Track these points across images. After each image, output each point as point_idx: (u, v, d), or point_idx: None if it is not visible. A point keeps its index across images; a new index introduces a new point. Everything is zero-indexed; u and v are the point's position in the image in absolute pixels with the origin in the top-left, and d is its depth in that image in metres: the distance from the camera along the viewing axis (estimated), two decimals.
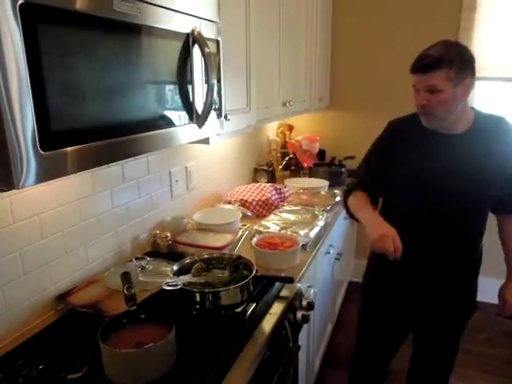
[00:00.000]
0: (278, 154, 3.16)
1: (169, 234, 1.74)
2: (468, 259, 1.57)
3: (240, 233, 1.88)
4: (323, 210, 2.18)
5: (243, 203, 2.20)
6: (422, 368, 1.78)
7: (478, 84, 2.97)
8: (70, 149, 0.82)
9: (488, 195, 1.48)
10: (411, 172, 1.49)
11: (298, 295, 1.47)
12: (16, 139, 0.71)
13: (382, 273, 1.66)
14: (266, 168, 2.80)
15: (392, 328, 1.73)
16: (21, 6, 0.69)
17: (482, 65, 2.84)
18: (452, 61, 1.29)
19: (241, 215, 1.98)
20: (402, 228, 1.41)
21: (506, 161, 1.44)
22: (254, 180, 2.79)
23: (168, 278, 1.26)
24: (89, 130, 0.87)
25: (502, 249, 1.62)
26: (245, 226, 1.98)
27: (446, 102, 1.34)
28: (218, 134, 1.43)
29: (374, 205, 1.60)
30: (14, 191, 1.16)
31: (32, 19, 0.72)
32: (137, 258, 1.50)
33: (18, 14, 0.69)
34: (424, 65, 1.32)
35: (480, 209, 1.50)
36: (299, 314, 1.40)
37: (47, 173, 0.78)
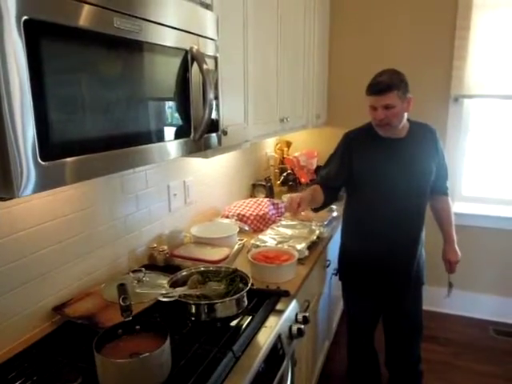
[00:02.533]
0: (276, 170, 3.19)
1: (166, 248, 1.75)
2: (417, 229, 1.96)
3: (237, 247, 1.89)
4: (320, 225, 2.19)
5: (241, 218, 2.22)
6: (395, 341, 2.14)
7: (472, 101, 3.02)
8: (68, 159, 0.84)
9: (427, 180, 1.90)
10: (369, 169, 1.88)
11: (294, 309, 1.47)
12: (17, 149, 0.73)
13: (353, 255, 2.04)
14: (264, 183, 2.82)
15: (370, 299, 2.07)
16: (25, 21, 0.72)
17: (476, 82, 2.90)
18: (398, 84, 1.73)
19: (238, 229, 2.00)
20: (367, 211, 1.92)
21: (434, 154, 1.92)
22: (252, 195, 2.81)
23: (164, 289, 1.26)
24: (88, 142, 0.89)
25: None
26: (242, 240, 1.99)
27: (398, 114, 1.76)
28: (216, 149, 1.45)
29: (332, 197, 1.98)
30: (12, 202, 1.18)
31: (35, 35, 0.74)
32: (134, 271, 1.51)
33: (22, 29, 0.72)
34: (380, 89, 1.73)
35: (423, 190, 1.91)
36: (295, 328, 1.40)
37: (46, 182, 0.80)
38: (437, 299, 2.71)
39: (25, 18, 0.72)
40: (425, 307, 2.10)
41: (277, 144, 3.28)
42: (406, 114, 1.83)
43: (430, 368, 2.46)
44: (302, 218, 2.32)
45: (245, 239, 2.00)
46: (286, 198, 1.72)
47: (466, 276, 2.91)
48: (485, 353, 2.78)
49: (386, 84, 1.72)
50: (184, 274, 1.41)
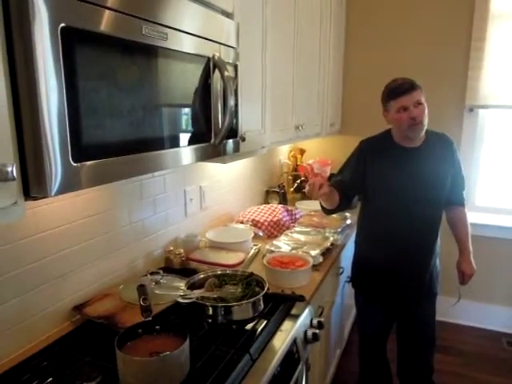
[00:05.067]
0: (290, 177, 3.21)
1: (182, 251, 1.77)
2: (432, 239, 1.95)
3: (252, 251, 1.91)
4: (334, 232, 2.20)
5: (255, 223, 2.24)
6: (408, 351, 2.12)
7: (487, 112, 3.02)
8: (97, 161, 0.87)
9: (441, 190, 1.90)
10: (384, 178, 1.89)
11: (309, 314, 1.48)
12: (51, 151, 0.76)
13: (366, 262, 2.04)
14: (277, 190, 2.84)
15: (382, 308, 2.07)
16: (62, 29, 0.75)
17: (491, 93, 2.90)
18: (418, 85, 1.78)
19: (253, 235, 2.01)
20: (381, 220, 1.93)
21: (450, 165, 1.91)
22: (266, 202, 2.83)
23: (182, 291, 1.29)
24: (115, 145, 0.92)
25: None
26: (256, 245, 2.01)
27: (425, 111, 1.79)
28: (234, 154, 1.47)
29: (345, 203, 1.97)
30: (35, 204, 1.22)
31: (71, 41, 0.78)
32: (151, 273, 1.54)
33: (59, 35, 0.75)
34: (407, 88, 1.76)
35: (437, 200, 1.91)
36: (310, 332, 1.41)
37: (76, 183, 0.83)
38: (450, 309, 2.69)
39: (62, 25, 0.75)
40: (438, 317, 2.09)
41: (290, 151, 3.30)
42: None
43: (442, 379, 2.44)
44: (316, 224, 2.33)
45: (259, 244, 2.02)
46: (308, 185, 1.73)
47: (479, 287, 2.88)
48: (497, 364, 2.75)
49: (411, 83, 1.76)
50: (201, 276, 1.43)
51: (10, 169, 0.71)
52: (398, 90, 1.77)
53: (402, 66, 3.04)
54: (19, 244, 1.20)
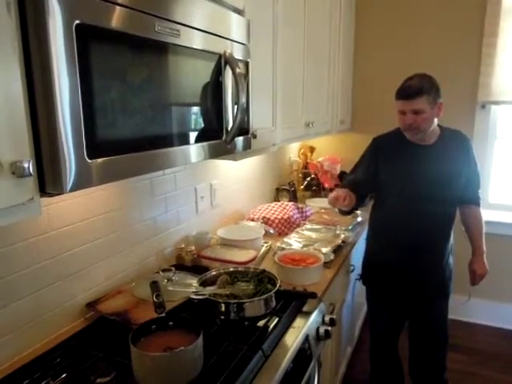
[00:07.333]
0: (300, 175, 3.21)
1: (193, 248, 1.78)
2: (444, 238, 1.94)
3: (264, 249, 1.90)
4: (345, 229, 2.19)
5: (266, 221, 2.23)
6: (420, 350, 2.11)
7: (500, 108, 2.98)
8: (111, 158, 0.87)
9: (456, 189, 1.87)
10: (397, 175, 1.88)
11: (321, 311, 1.48)
12: (66, 147, 0.77)
13: (377, 260, 2.02)
14: (287, 188, 2.84)
15: (393, 306, 2.06)
16: (77, 26, 0.76)
17: (504, 89, 2.86)
18: (429, 89, 1.71)
19: (263, 232, 2.01)
20: (393, 218, 1.91)
21: (464, 163, 1.88)
22: (276, 199, 2.83)
23: (195, 288, 1.29)
24: (128, 142, 0.93)
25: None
26: (267, 243, 2.01)
27: (427, 119, 1.74)
28: (245, 151, 1.47)
29: (359, 202, 1.93)
30: (49, 201, 1.23)
31: (86, 39, 0.78)
32: (163, 270, 1.54)
33: (74, 32, 0.76)
34: (409, 93, 1.71)
35: (451, 199, 1.88)
36: (322, 329, 1.40)
37: (91, 179, 0.84)
38: (463, 308, 2.66)
39: (77, 22, 0.76)
40: (451, 316, 2.07)
41: (300, 149, 3.29)
42: (436, 120, 1.80)
43: (454, 377, 2.42)
44: (327, 222, 2.33)
45: (270, 242, 2.02)
46: (332, 194, 1.82)
47: (492, 285, 2.84)
48: (510, 363, 2.71)
49: (416, 88, 1.70)
50: (213, 273, 1.43)
51: (26, 165, 0.72)
52: (401, 92, 1.74)
53: (412, 63, 3.01)
54: (33, 241, 1.21)
